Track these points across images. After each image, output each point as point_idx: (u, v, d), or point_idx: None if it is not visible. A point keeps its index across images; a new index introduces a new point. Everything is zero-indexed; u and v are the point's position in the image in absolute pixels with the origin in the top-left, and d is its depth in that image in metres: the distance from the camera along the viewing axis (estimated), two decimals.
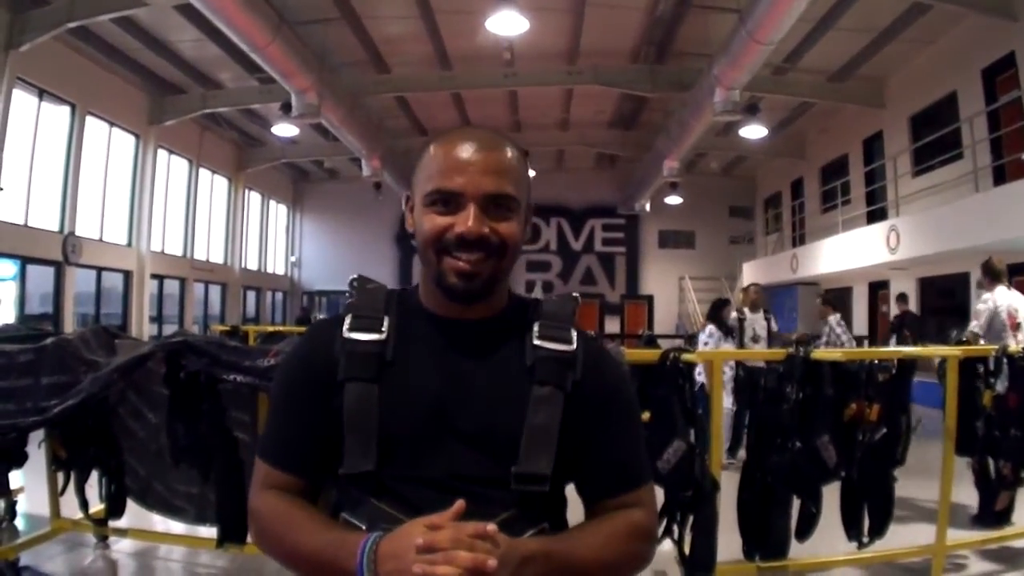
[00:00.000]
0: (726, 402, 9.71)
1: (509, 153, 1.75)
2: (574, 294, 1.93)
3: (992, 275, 8.33)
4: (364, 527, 1.63)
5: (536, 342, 1.75)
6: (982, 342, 7.71)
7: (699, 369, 7.86)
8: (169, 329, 23.74)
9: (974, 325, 8.15)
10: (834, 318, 12.76)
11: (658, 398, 4.96)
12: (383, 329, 1.75)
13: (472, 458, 1.67)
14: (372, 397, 1.68)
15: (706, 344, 10.53)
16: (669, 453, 4.81)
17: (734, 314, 11.16)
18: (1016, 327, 7.89)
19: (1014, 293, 8.16)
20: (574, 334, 1.80)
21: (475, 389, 1.70)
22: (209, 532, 5.48)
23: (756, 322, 11.11)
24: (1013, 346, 6.27)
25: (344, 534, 1.60)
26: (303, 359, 1.82)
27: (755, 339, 10.95)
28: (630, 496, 1.80)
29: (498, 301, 1.81)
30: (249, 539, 5.08)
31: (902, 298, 19.10)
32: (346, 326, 1.76)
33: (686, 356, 5.22)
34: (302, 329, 14.33)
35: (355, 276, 1.87)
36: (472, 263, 1.66)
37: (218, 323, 24.54)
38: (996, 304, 8.06)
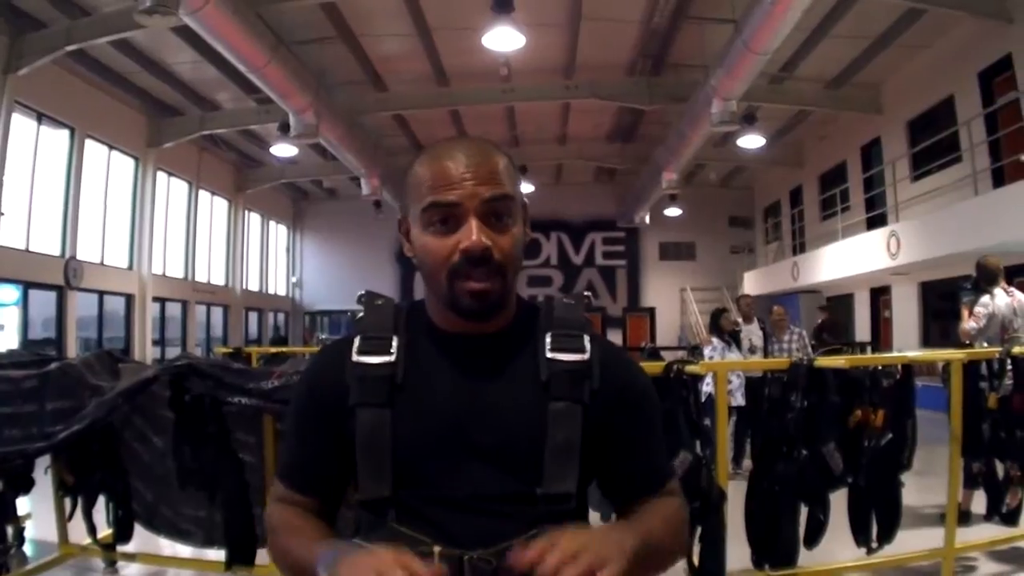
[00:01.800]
0: (740, 400, 9.75)
1: (498, 157, 1.72)
2: (585, 293, 1.91)
3: (988, 277, 8.20)
4: None
5: (549, 355, 1.72)
6: (980, 344, 7.72)
7: (707, 380, 7.88)
8: (172, 352, 23.76)
9: (971, 326, 8.01)
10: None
11: (663, 410, 4.96)
12: (392, 350, 1.72)
13: (493, 476, 1.64)
14: (384, 422, 1.66)
15: (711, 358, 10.52)
16: (675, 464, 4.81)
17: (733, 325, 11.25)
18: (1006, 340, 7.65)
19: (1012, 297, 8.04)
20: (587, 341, 1.76)
21: (491, 405, 1.67)
22: (217, 555, 5.49)
23: (752, 333, 11.24)
24: (1017, 348, 6.25)
25: (324, 544, 1.59)
26: (313, 383, 1.81)
27: (752, 350, 11.06)
28: (660, 495, 1.80)
29: (508, 311, 1.77)
30: (257, 561, 5.11)
31: (823, 308, 21.28)
32: (354, 349, 1.73)
33: (690, 368, 5.23)
34: (280, 350, 14.12)
35: (363, 292, 1.85)
36: (484, 281, 1.63)
37: (220, 345, 24.54)
38: (994, 309, 7.95)
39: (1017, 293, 8.11)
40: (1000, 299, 8.01)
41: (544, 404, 1.67)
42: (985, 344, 7.66)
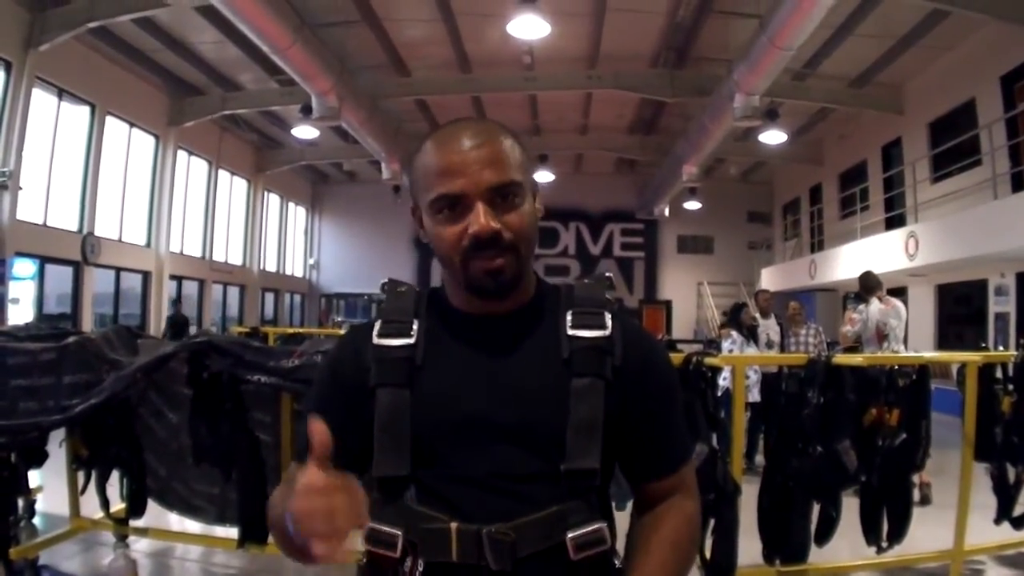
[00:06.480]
0: (756, 396, 9.77)
1: (503, 139, 1.72)
2: (607, 274, 1.91)
3: (866, 288, 9.84)
4: (400, 531, 1.61)
5: (570, 331, 1.72)
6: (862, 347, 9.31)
7: (724, 374, 7.90)
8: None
9: (847, 329, 9.70)
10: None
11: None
12: (412, 333, 1.74)
13: (514, 455, 1.64)
14: (404, 402, 1.67)
15: (730, 351, 10.54)
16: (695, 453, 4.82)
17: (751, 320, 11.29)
18: (883, 338, 9.25)
19: (886, 306, 9.53)
20: (608, 318, 1.76)
21: (512, 384, 1.67)
22: (227, 532, 5.52)
23: (770, 328, 11.30)
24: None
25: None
26: (335, 365, 1.82)
27: (769, 344, 11.09)
28: (674, 477, 1.81)
29: (526, 291, 1.79)
30: (270, 539, 5.11)
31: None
32: (375, 332, 1.76)
33: (709, 360, 5.23)
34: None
35: (386, 280, 1.87)
36: (496, 260, 1.64)
37: (236, 324, 24.57)
38: (868, 316, 9.44)
39: (893, 300, 9.82)
40: (873, 306, 9.62)
41: (566, 381, 1.67)
42: (861, 347, 9.35)
